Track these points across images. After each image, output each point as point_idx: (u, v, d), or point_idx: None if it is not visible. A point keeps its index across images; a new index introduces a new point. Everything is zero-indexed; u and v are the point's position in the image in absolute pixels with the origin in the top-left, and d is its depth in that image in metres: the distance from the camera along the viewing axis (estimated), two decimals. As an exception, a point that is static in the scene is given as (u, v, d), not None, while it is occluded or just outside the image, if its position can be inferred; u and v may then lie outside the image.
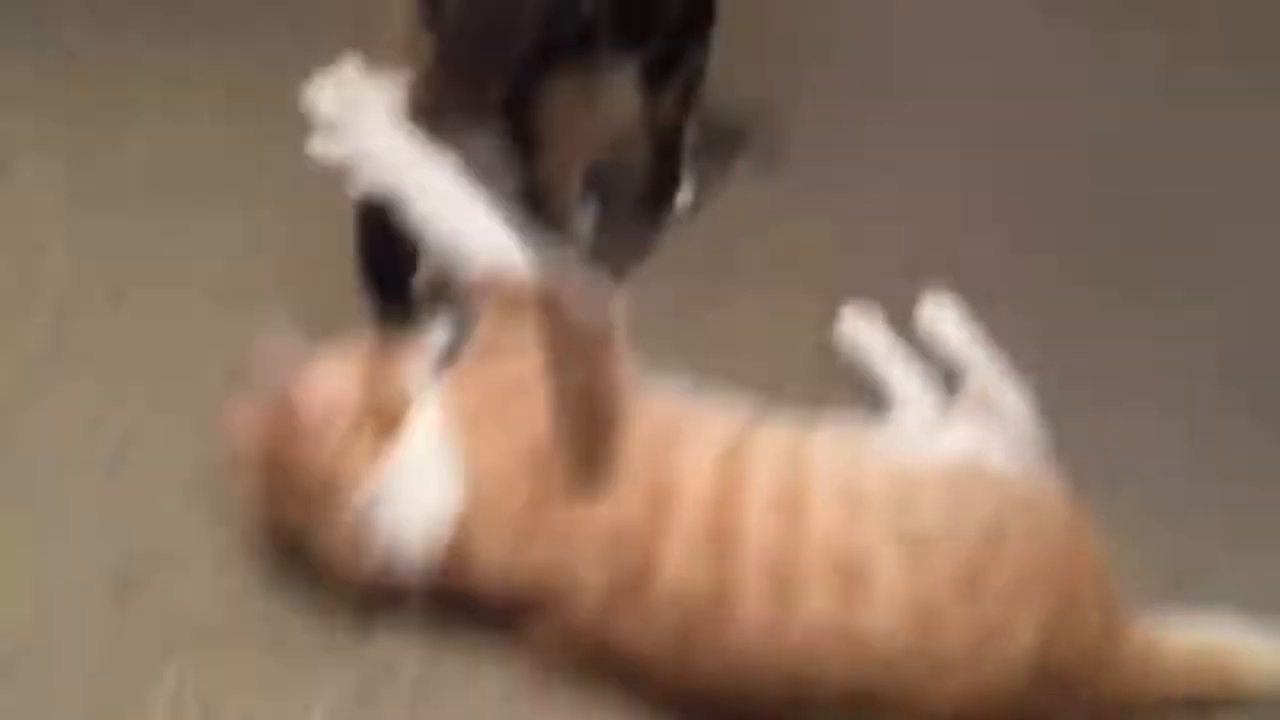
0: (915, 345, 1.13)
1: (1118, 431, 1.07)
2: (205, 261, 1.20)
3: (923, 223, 1.34)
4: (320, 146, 0.83)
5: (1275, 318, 1.26)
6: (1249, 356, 1.19)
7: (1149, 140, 1.55)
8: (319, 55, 0.86)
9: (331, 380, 0.75)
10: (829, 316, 1.14)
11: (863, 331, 1.11)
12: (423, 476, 0.74)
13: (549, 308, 0.77)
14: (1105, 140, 1.55)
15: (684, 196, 1.24)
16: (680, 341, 1.11)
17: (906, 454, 0.77)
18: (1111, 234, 1.37)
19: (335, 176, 0.85)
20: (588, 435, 0.73)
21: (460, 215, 0.82)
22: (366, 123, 0.82)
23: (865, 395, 1.07)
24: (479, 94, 0.89)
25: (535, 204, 0.95)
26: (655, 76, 1.09)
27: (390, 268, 0.94)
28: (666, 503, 0.71)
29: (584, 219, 1.08)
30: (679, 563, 0.70)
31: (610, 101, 1.03)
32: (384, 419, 0.74)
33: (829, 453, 0.76)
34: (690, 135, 1.22)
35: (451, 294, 0.86)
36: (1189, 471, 1.05)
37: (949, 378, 1.08)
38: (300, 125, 0.83)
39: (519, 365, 0.76)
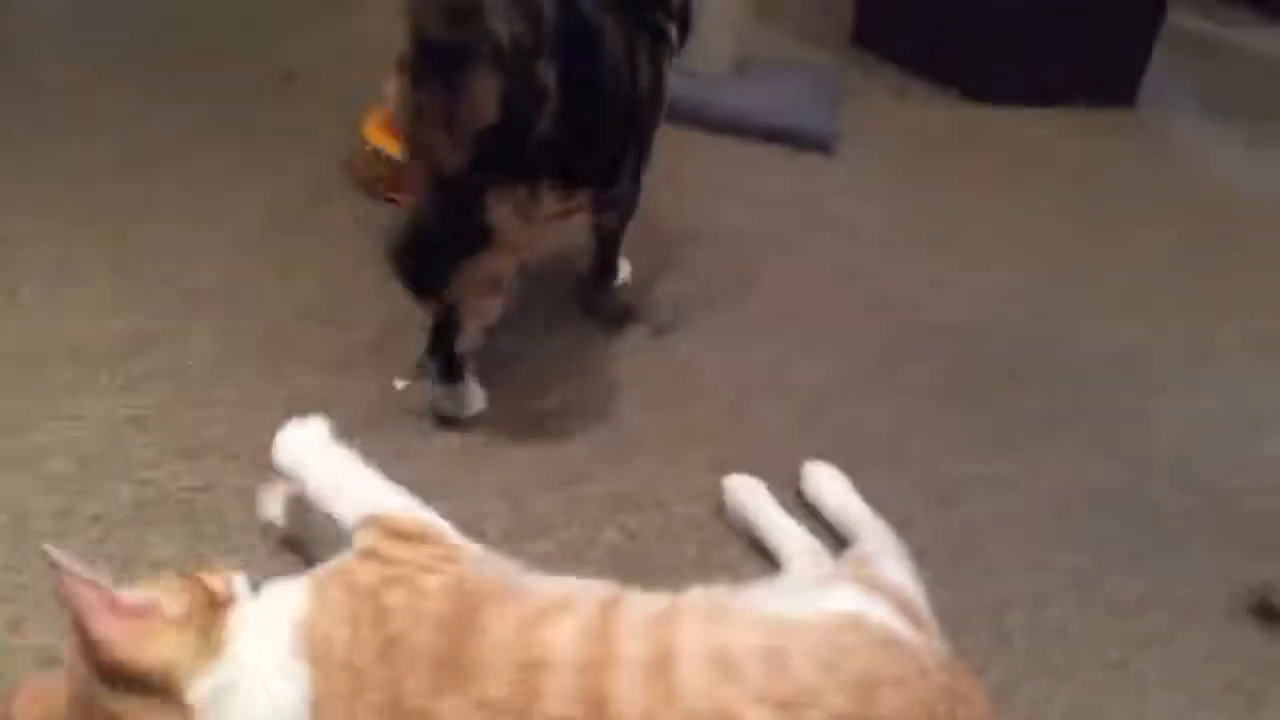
0: (802, 508, 1.16)
1: (997, 588, 1.10)
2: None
3: (806, 391, 1.39)
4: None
5: (1144, 473, 1.32)
6: (1126, 510, 1.25)
7: (1017, 312, 1.68)
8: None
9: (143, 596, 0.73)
10: (718, 481, 1.17)
11: (749, 496, 1.13)
12: (271, 668, 0.71)
13: None
14: (974, 311, 1.66)
15: (623, 274, 1.51)
16: (574, 507, 1.13)
17: (783, 613, 0.77)
18: (982, 397, 1.44)
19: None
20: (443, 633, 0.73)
21: (357, 486, 0.89)
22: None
23: (756, 557, 1.09)
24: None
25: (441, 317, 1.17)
26: (599, 199, 1.31)
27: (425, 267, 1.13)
28: (537, 674, 0.70)
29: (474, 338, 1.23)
30: None
31: (545, 216, 1.14)
32: (210, 614, 0.72)
33: (701, 614, 0.75)
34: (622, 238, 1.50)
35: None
36: (1070, 623, 1.08)
37: (834, 538, 1.10)
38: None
39: (389, 570, 0.76)
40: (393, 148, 1.73)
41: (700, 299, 1.58)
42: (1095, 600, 1.10)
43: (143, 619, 0.69)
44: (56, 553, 0.68)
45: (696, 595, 0.80)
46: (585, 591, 0.79)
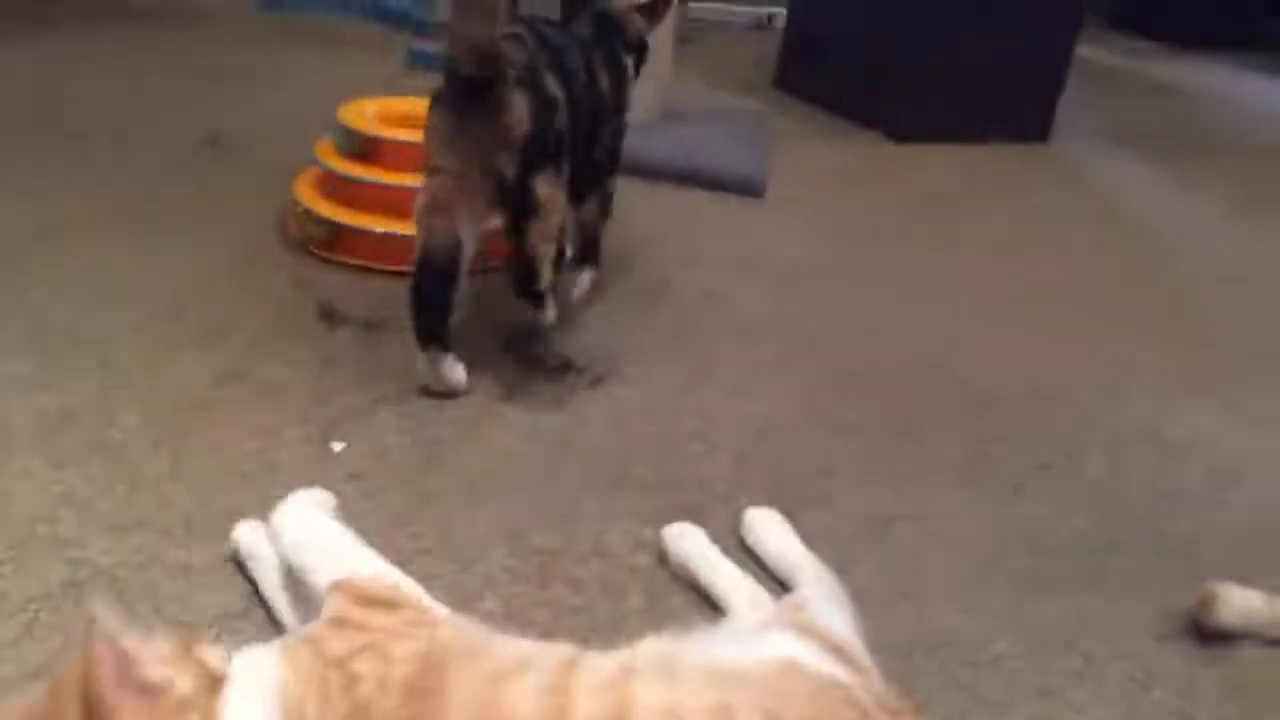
0: (744, 553, 1.17)
1: (936, 625, 1.13)
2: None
3: (743, 435, 1.41)
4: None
5: (1070, 504, 1.36)
6: (1055, 542, 1.29)
7: (944, 347, 1.72)
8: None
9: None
10: (661, 530, 1.17)
11: (691, 543, 1.14)
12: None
13: None
14: (903, 347, 1.70)
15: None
16: (519, 563, 1.13)
17: (727, 664, 0.79)
18: (914, 434, 1.47)
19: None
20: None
21: (331, 550, 0.92)
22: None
23: (700, 605, 1.10)
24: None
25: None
26: (579, 194, 1.58)
27: (436, 312, 1.39)
28: None
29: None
30: None
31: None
32: (209, 699, 0.71)
33: (653, 672, 0.76)
34: (603, 235, 1.75)
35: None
36: (1007, 657, 1.10)
37: (775, 583, 1.12)
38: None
39: (358, 638, 0.77)
40: (324, 209, 1.73)
41: (636, 346, 1.59)
42: (1029, 633, 1.13)
43: (154, 698, 0.68)
44: (101, 610, 0.67)
45: (648, 649, 0.81)
46: (546, 651, 0.80)
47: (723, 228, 2.12)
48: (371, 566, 0.88)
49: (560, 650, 0.80)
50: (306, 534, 0.96)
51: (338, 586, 0.83)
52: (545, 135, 1.36)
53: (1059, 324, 1.87)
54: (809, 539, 1.17)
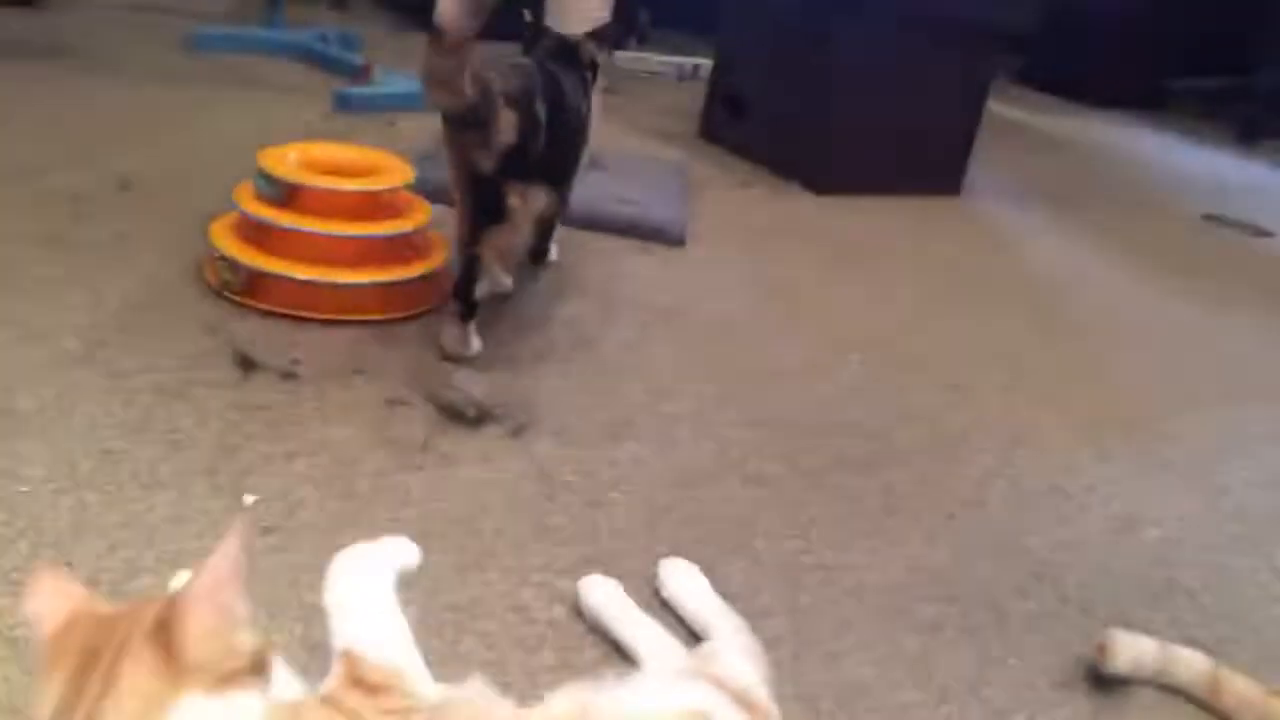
0: (659, 604, 1.18)
1: (847, 673, 1.15)
2: None
3: (659, 487, 1.43)
4: None
5: (974, 553, 1.40)
6: (960, 591, 1.32)
7: (856, 398, 1.76)
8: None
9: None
10: (575, 583, 1.18)
11: (605, 596, 1.15)
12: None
13: None
14: (816, 397, 1.74)
15: (552, 256, 2.06)
16: (433, 617, 1.12)
17: (636, 713, 0.80)
18: (825, 485, 1.51)
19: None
20: None
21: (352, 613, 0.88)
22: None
23: (614, 659, 1.10)
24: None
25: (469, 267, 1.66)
26: (558, 195, 1.82)
27: (469, 289, 1.66)
28: None
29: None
30: None
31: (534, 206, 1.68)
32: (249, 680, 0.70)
33: None
34: (555, 227, 2.01)
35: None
36: (913, 704, 1.13)
37: (690, 634, 1.13)
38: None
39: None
40: (243, 254, 1.71)
41: (556, 397, 1.60)
42: (936, 681, 1.16)
43: (223, 620, 0.67)
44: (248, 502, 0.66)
45: (561, 701, 0.81)
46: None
47: (643, 277, 2.15)
48: (379, 639, 0.85)
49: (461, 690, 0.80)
50: (346, 589, 0.91)
51: (343, 656, 0.82)
52: (526, 150, 1.56)
53: (967, 378, 1.93)
54: (724, 589, 1.19)
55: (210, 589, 0.67)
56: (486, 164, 1.55)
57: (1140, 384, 2.05)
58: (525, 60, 1.72)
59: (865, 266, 2.45)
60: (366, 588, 0.93)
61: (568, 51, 1.87)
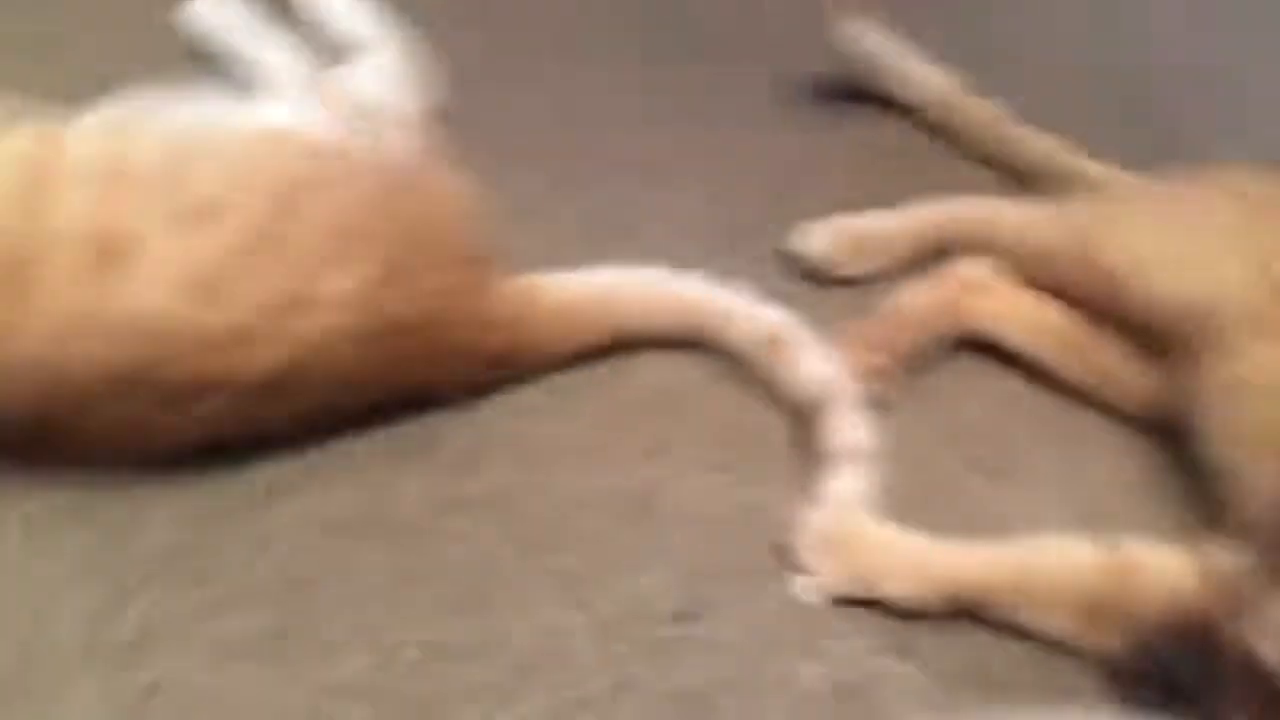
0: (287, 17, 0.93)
1: (553, 92, 0.98)
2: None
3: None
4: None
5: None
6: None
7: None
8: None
9: None
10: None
11: (217, 6, 0.93)
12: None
13: None
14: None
15: None
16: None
17: (196, 127, 0.69)
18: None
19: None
20: None
21: None
22: None
23: (219, 78, 0.87)
24: None
25: None
26: None
27: None
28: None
29: None
30: None
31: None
32: None
33: (94, 131, 0.66)
34: None
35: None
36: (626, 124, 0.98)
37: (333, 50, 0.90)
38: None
39: None
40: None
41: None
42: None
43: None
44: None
45: (111, 111, 0.69)
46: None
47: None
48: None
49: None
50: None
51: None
52: None
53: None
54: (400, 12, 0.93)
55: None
56: None
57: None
58: None
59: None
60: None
61: None
